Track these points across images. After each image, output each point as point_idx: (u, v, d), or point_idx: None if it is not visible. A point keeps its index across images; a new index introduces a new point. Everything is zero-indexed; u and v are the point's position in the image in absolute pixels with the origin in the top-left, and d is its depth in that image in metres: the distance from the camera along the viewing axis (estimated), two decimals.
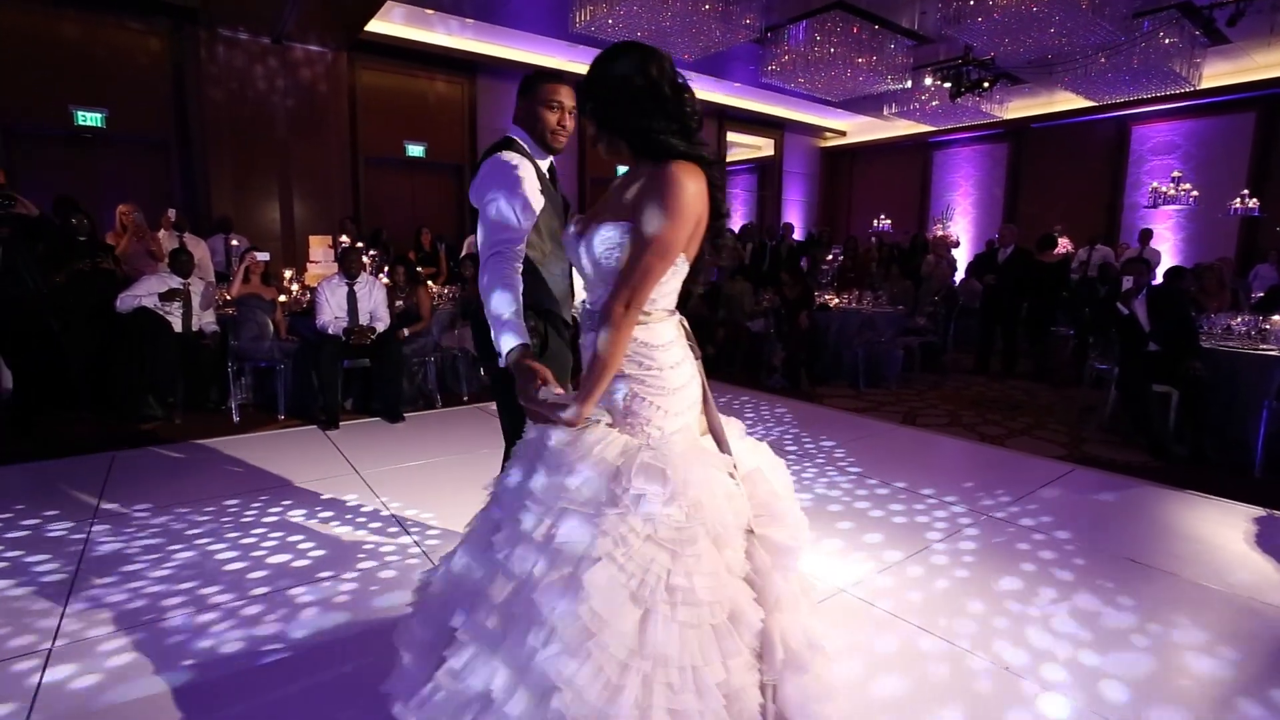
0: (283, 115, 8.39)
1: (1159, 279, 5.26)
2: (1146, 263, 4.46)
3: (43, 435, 4.09)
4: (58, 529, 2.86)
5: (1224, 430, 4.00)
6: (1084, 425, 4.76)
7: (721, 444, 1.45)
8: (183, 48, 7.76)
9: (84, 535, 2.79)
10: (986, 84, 8.98)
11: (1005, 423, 4.93)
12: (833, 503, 3.30)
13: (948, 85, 9.14)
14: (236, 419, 4.57)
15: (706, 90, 11.69)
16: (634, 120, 1.34)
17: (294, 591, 2.37)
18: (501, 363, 1.50)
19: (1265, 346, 3.96)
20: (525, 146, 1.93)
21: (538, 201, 1.83)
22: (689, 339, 1.47)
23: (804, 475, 3.66)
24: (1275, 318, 4.18)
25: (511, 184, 1.78)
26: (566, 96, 1.93)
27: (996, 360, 6.98)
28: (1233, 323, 4.25)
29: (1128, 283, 4.28)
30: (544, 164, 1.97)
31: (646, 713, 1.19)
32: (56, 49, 7.15)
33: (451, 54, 9.30)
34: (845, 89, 9.05)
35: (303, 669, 1.95)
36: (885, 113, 10.99)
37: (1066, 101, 10.77)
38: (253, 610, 2.25)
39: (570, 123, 1.95)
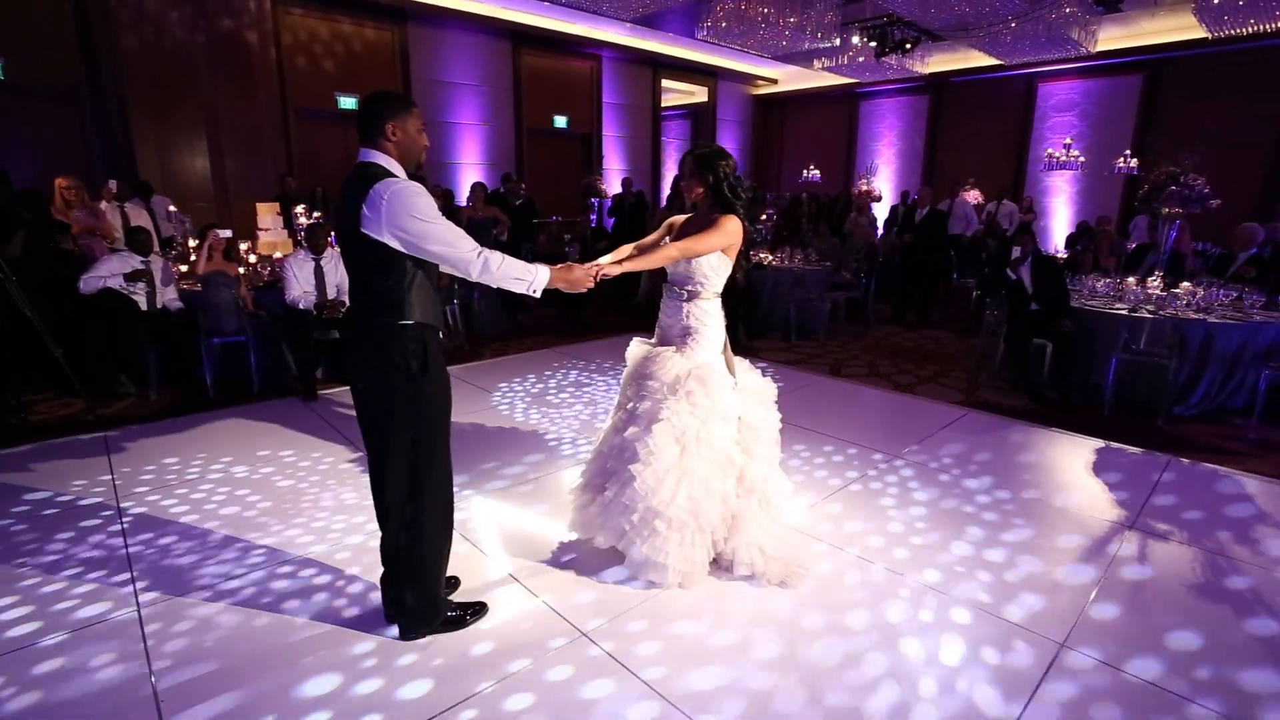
0: (205, 63, 8.01)
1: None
2: (1032, 234, 5.15)
3: (18, 422, 4.10)
4: (95, 499, 3.11)
5: (1086, 378, 4.84)
6: (980, 373, 5.56)
7: (731, 370, 2.66)
8: None
9: (113, 506, 3.06)
10: (909, 45, 9.48)
11: (916, 370, 5.68)
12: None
13: (873, 44, 9.58)
14: (212, 395, 4.75)
15: (642, 39, 11.71)
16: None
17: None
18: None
19: (1119, 306, 4.75)
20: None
21: None
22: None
23: None
24: (1129, 279, 4.98)
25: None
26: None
27: (912, 311, 7.77)
28: (1098, 285, 5.03)
29: (1016, 252, 4.98)
30: None
31: (676, 498, 2.43)
32: None
33: None
34: (777, 47, 9.35)
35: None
36: (815, 66, 11.36)
37: (983, 58, 11.41)
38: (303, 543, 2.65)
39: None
